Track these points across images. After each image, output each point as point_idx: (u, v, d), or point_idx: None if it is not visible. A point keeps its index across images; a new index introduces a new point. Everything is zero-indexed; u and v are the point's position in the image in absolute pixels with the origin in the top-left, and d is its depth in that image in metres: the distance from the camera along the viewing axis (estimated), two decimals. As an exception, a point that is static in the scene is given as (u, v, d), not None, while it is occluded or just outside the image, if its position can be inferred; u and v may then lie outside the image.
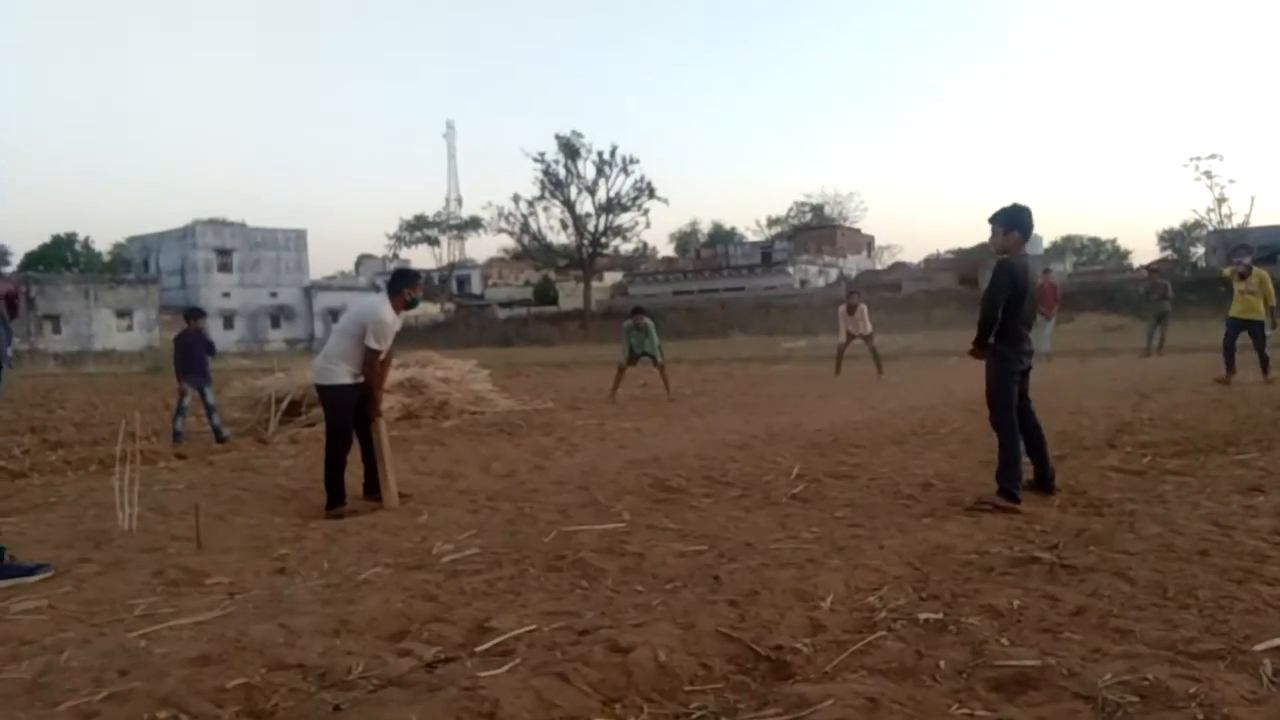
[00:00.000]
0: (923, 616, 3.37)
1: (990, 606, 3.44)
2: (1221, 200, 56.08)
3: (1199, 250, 63.25)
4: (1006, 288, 5.26)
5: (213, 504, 6.25)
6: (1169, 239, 69.63)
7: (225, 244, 65.99)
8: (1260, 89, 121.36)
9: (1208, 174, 56.03)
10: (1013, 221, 5.42)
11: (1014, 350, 5.39)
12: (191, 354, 9.90)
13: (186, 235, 65.17)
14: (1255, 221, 57.79)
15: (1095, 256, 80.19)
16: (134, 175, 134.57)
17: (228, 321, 62.91)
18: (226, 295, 64.59)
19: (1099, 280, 49.38)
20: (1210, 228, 58.64)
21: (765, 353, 26.50)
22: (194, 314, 10.40)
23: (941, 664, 2.91)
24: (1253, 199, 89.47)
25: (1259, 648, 2.89)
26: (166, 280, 64.51)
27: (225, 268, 65.64)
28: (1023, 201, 5.45)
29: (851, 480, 6.29)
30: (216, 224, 67.10)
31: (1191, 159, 60.49)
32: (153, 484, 7.07)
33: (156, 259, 67.33)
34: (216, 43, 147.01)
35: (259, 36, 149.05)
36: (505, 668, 3.00)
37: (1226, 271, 12.67)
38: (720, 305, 56.15)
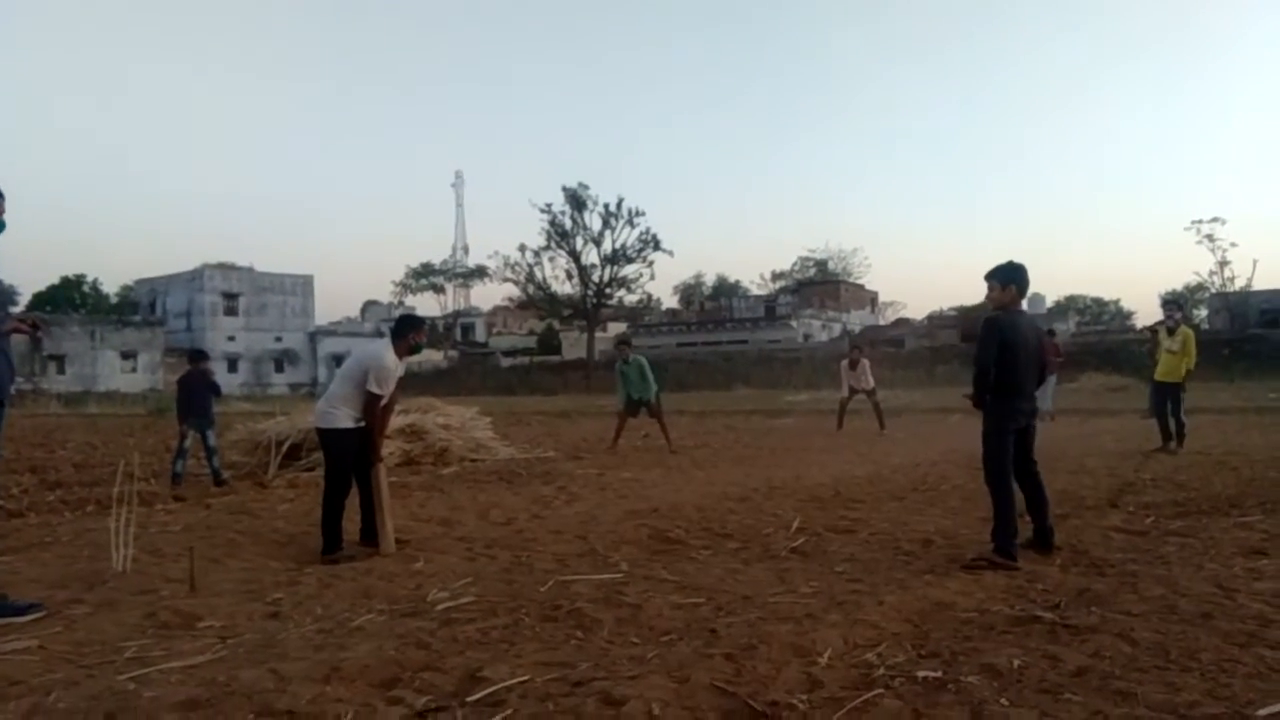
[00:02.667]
0: (921, 674, 3.33)
1: (990, 666, 3.39)
2: (1224, 264, 56.46)
3: (1202, 313, 63.43)
4: (993, 344, 5.28)
5: (208, 547, 6.21)
6: (1172, 301, 70.01)
7: (232, 288, 66.39)
8: (1262, 154, 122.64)
9: (1209, 237, 56.55)
10: (1009, 278, 5.46)
11: (1008, 407, 5.37)
12: (195, 396, 9.91)
13: (194, 279, 65.61)
14: (1257, 285, 58.09)
15: (1098, 317, 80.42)
16: (143, 218, 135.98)
17: (232, 364, 63.00)
18: (231, 339, 64.80)
19: (1102, 340, 49.42)
20: (1213, 290, 58.92)
21: (767, 406, 26.46)
22: (198, 356, 10.42)
23: (940, 723, 2.86)
24: (1255, 263, 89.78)
25: (1262, 713, 2.85)
26: (173, 323, 64.81)
27: (231, 311, 65.95)
28: (1019, 259, 5.49)
29: (852, 535, 6.24)
30: (224, 268, 67.57)
31: (1193, 222, 60.99)
32: (149, 526, 7.03)
33: (164, 302, 67.71)
34: (227, 89, 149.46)
35: (269, 83, 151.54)
36: (496, 719, 2.96)
37: (1152, 325, 12.53)
38: (723, 358, 56.20)
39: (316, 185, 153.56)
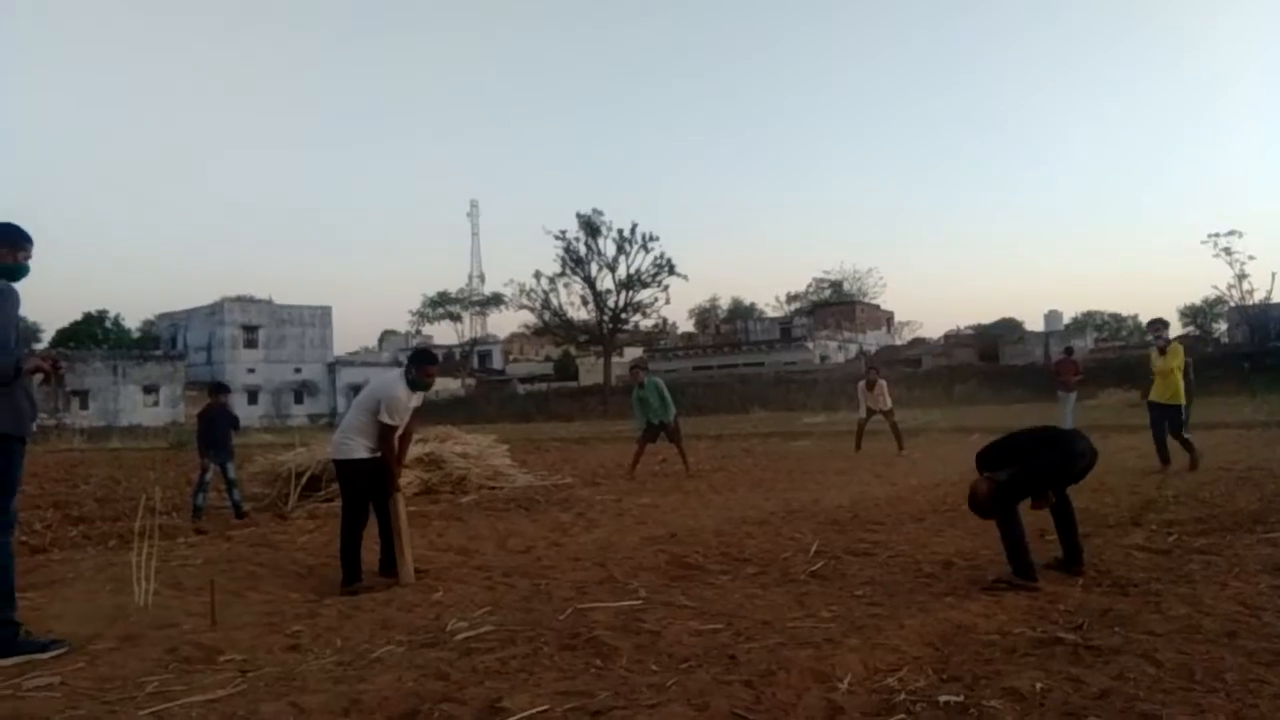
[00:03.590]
0: (943, 699, 3.30)
1: (1012, 689, 3.36)
2: (1242, 276, 55.98)
3: (1221, 326, 62.90)
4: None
5: (229, 580, 6.24)
6: (1190, 315, 69.36)
7: (252, 320, 66.98)
8: None
9: (1227, 250, 56.08)
10: None
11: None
12: (215, 429, 9.99)
13: (214, 312, 66.27)
14: (1277, 298, 57.55)
15: (1116, 333, 79.83)
16: (164, 254, 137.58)
17: (252, 397, 63.44)
18: (251, 371, 65.28)
19: (1121, 356, 49.05)
20: (1232, 304, 58.43)
21: (785, 428, 26.39)
22: (219, 389, 10.51)
23: (962, 748, 2.84)
24: (1274, 275, 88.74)
25: (1290, 734, 2.81)
26: (193, 356, 65.41)
27: (251, 344, 66.49)
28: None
29: (871, 558, 6.21)
30: (244, 301, 68.19)
31: (1210, 235, 60.46)
32: (171, 559, 7.07)
33: (185, 335, 68.39)
34: (243, 122, 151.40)
35: (285, 114, 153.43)
36: (516, 749, 2.96)
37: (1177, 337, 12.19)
38: (740, 381, 56.12)
39: (333, 217, 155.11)
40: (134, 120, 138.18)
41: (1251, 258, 69.21)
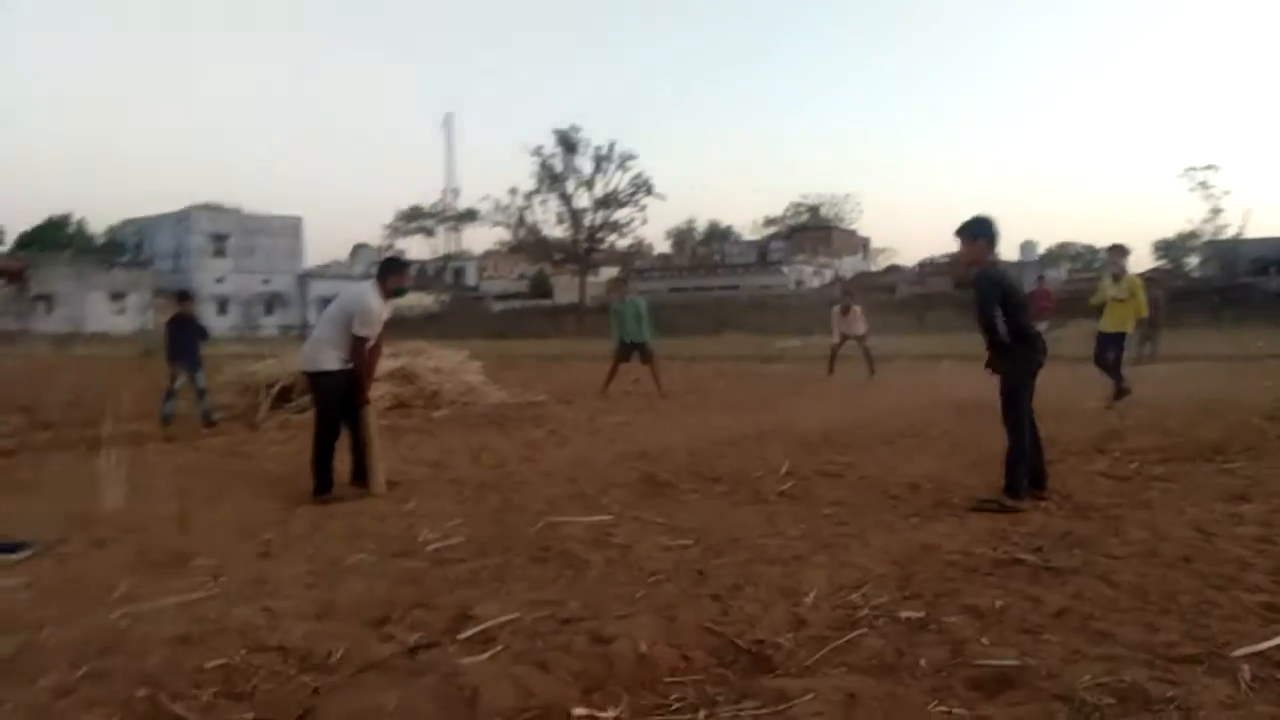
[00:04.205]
0: (904, 615, 3.38)
1: (972, 606, 3.45)
2: (1217, 211, 56.31)
3: (1194, 260, 63.46)
4: (996, 295, 5.29)
5: (199, 487, 6.25)
6: (1164, 248, 69.89)
7: (221, 229, 65.76)
8: (1260, 102, 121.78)
9: (1204, 185, 56.27)
10: (977, 231, 5.46)
11: (1030, 350, 5.43)
12: (183, 338, 9.89)
13: (182, 220, 64.95)
14: (1250, 233, 58.02)
15: (1089, 264, 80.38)
16: (130, 159, 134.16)
17: (221, 307, 62.69)
18: (220, 281, 64.35)
19: (1093, 287, 49.49)
20: (1205, 239, 58.86)
21: (759, 352, 26.48)
22: (185, 297, 10.38)
23: (922, 662, 2.92)
24: (1247, 211, 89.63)
25: (1238, 653, 2.90)
26: (160, 264, 64.30)
27: (220, 253, 65.41)
28: (987, 212, 5.51)
29: (840, 479, 6.29)
30: (212, 209, 66.87)
31: (1188, 169, 60.72)
32: (140, 466, 7.03)
33: (151, 243, 67.10)
34: (216, 28, 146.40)
35: (259, 20, 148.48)
36: (486, 655, 3.01)
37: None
38: (715, 303, 56.09)
39: (306, 125, 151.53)
40: (102, 17, 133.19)
41: (1227, 192, 69.50)
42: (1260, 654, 2.89)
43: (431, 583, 3.92)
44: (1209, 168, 58.85)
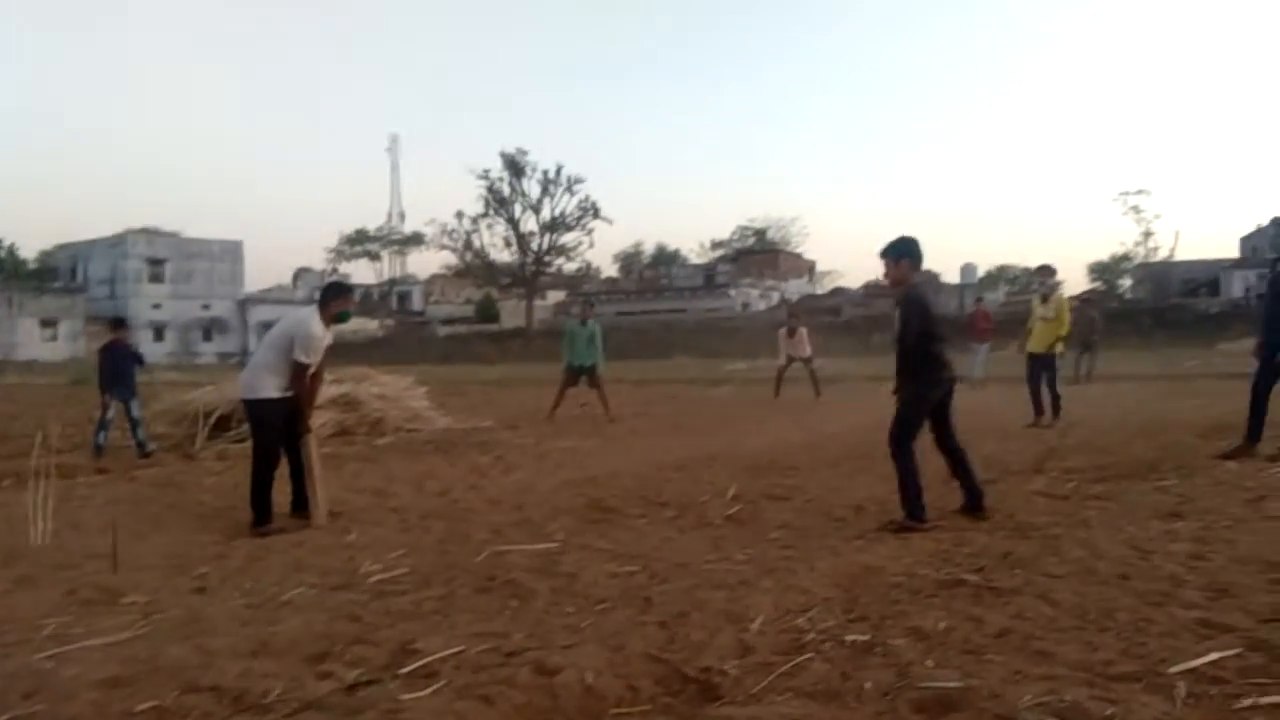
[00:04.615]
0: (850, 638, 3.39)
1: (916, 628, 3.47)
2: (1148, 234, 58.18)
3: (1127, 282, 65.31)
4: (923, 316, 5.38)
5: (132, 520, 6.06)
6: (1098, 270, 71.80)
7: (158, 254, 64.39)
8: (1188, 129, 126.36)
9: (1135, 209, 58.17)
10: (901, 251, 5.54)
11: (936, 377, 5.48)
12: (117, 366, 9.64)
13: (117, 244, 63.47)
14: (1179, 256, 60.00)
15: (1027, 286, 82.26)
16: (64, 181, 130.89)
17: (158, 333, 61.30)
18: (157, 306, 62.95)
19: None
20: (1137, 261, 60.68)
21: (706, 374, 26.63)
22: (119, 324, 10.13)
23: (867, 685, 2.92)
24: (1177, 234, 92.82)
25: (1174, 670, 2.95)
26: (95, 290, 62.69)
27: (157, 278, 64.00)
28: (917, 228, 5.61)
29: (786, 502, 6.32)
30: (149, 233, 65.48)
31: (1120, 194, 62.63)
32: (70, 499, 6.84)
33: (85, 268, 65.43)
34: (152, 48, 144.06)
35: (197, 41, 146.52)
36: (428, 690, 2.95)
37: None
38: (663, 326, 56.34)
39: (246, 148, 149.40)
40: (37, 35, 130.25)
41: (1158, 216, 71.87)
42: (1195, 670, 2.95)
43: (372, 616, 3.84)
44: (1140, 192, 60.96)
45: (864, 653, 3.25)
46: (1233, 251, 62.43)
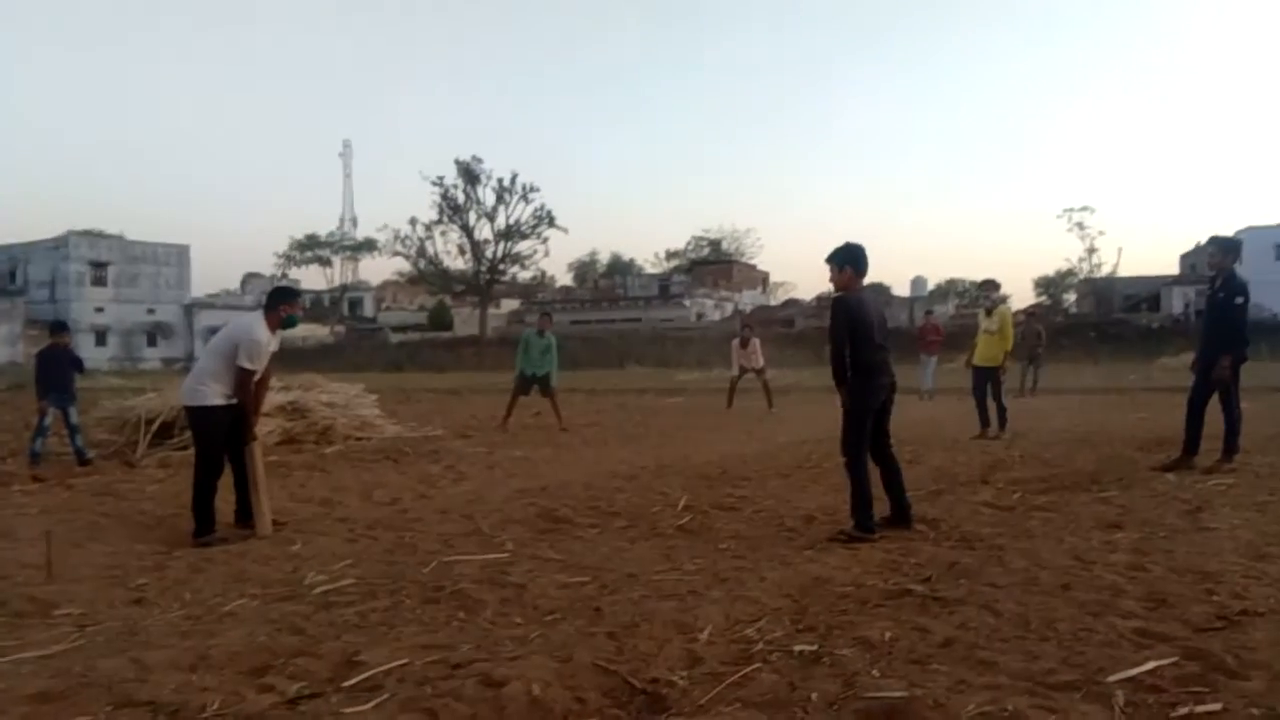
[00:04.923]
0: (798, 648, 3.40)
1: (864, 638, 3.49)
2: (1092, 250, 59.54)
3: (1071, 297, 66.71)
4: (845, 324, 5.43)
5: (69, 530, 5.89)
6: (1044, 285, 73.33)
7: (100, 257, 62.97)
8: (1131, 149, 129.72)
9: (1080, 225, 59.51)
10: (846, 259, 5.61)
11: (870, 385, 5.53)
12: (55, 371, 9.38)
13: (59, 247, 61.92)
14: (1122, 272, 61.48)
15: (976, 300, 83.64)
16: (2, 182, 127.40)
17: (100, 338, 59.92)
18: (100, 310, 61.53)
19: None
20: (1082, 276, 62.04)
21: (660, 384, 26.68)
22: (59, 329, 9.86)
23: (814, 696, 2.93)
24: (1120, 250, 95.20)
25: (1112, 678, 3.00)
26: (35, 293, 61.07)
27: (100, 282, 62.56)
28: (866, 240, 5.66)
29: (737, 512, 6.34)
30: (92, 236, 64.08)
31: (1065, 210, 63.99)
32: (4, 507, 6.65)
33: (24, 270, 63.70)
34: (97, 45, 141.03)
35: (146, 40, 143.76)
36: (371, 704, 2.90)
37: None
38: (617, 336, 56.32)
39: (194, 150, 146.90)
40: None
41: (1101, 233, 73.55)
42: (1133, 679, 3.00)
43: (316, 628, 3.76)
44: (1084, 209, 62.26)
45: (812, 663, 3.26)
46: (1173, 268, 64.25)
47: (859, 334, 5.45)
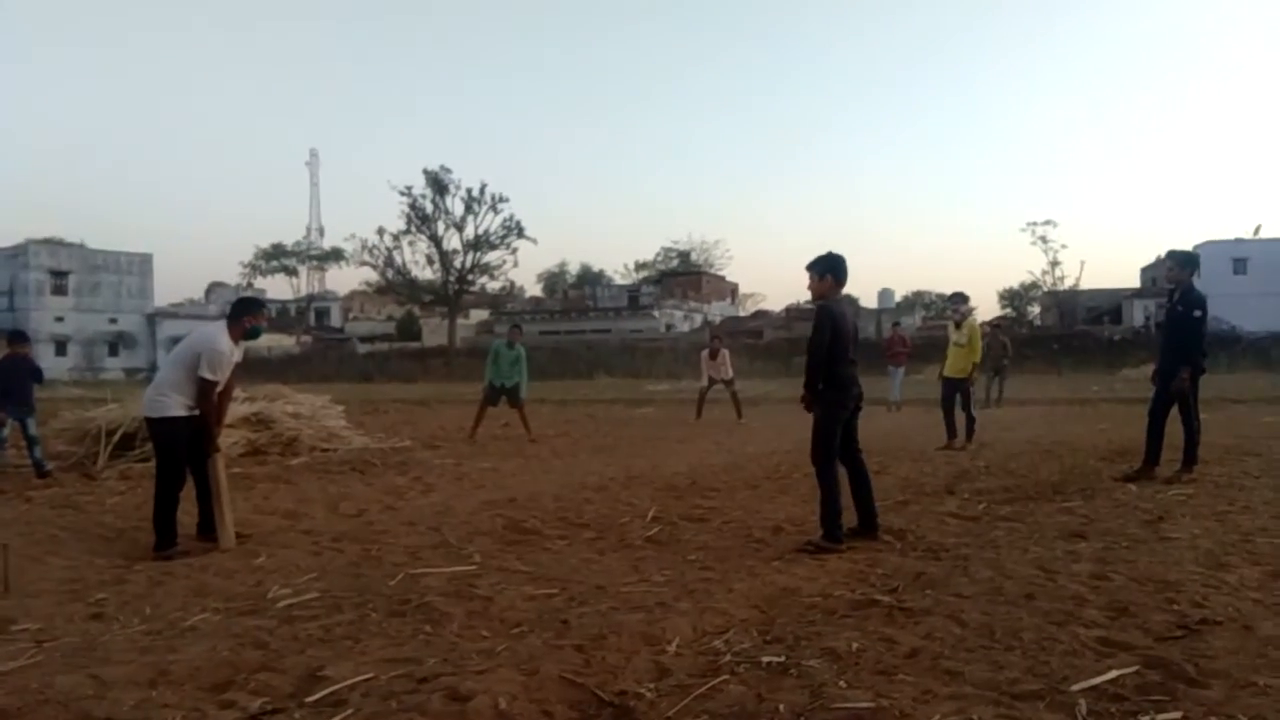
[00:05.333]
0: (766, 660, 3.41)
1: (831, 649, 3.50)
2: (1055, 264, 60.38)
3: (1035, 309, 67.58)
4: (828, 332, 5.47)
5: (27, 543, 5.78)
6: (1009, 298, 74.16)
7: (61, 265, 61.91)
8: (1092, 162, 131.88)
9: (1043, 239, 60.34)
10: (827, 268, 5.66)
11: (842, 395, 5.57)
12: (14, 381, 9.20)
13: (17, 255, 60.81)
14: (1085, 284, 62.41)
15: (942, 312, 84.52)
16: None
17: (60, 348, 58.89)
18: (60, 320, 60.49)
19: (946, 335, 52.02)
20: (1045, 289, 62.90)
21: (629, 395, 26.67)
22: (17, 338, 9.68)
23: (781, 707, 2.94)
24: (1082, 263, 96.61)
25: (1075, 688, 3.04)
26: (-7, 302, 59.99)
27: (60, 290, 61.51)
28: (839, 251, 5.70)
29: (706, 523, 6.34)
30: (52, 244, 63.03)
31: (1029, 224, 64.91)
32: (-42, 521, 6.48)
33: (-18, 278, 62.56)
34: (58, 47, 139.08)
35: (108, 44, 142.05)
36: (335, 719, 2.86)
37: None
38: (586, 347, 56.27)
39: (158, 158, 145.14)
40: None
41: (1064, 246, 74.72)
42: (1096, 688, 3.04)
43: (279, 642, 3.71)
44: (1048, 223, 63.17)
45: (779, 674, 3.27)
46: (1134, 281, 65.34)
47: (838, 345, 5.49)
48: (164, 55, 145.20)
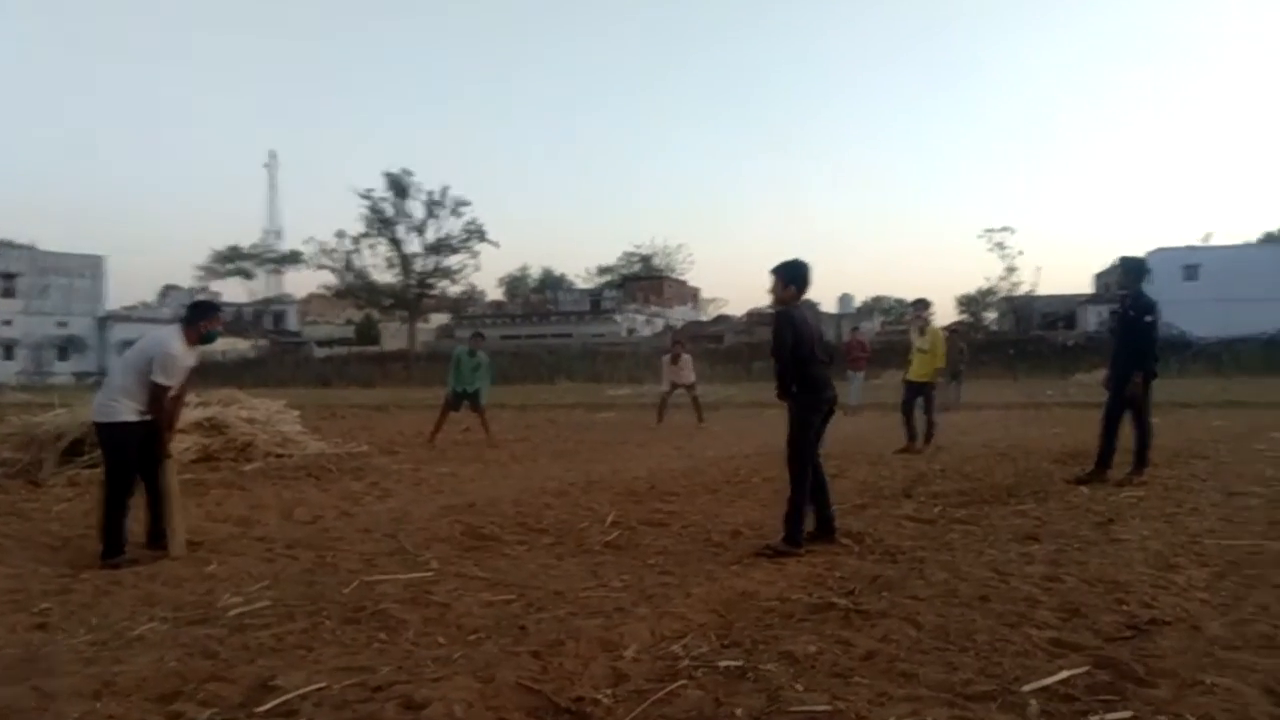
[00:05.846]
0: (723, 664, 3.41)
1: (788, 653, 3.51)
2: (1012, 270, 61.23)
3: (992, 315, 68.50)
4: (790, 336, 5.50)
5: (-33, 553, 5.62)
6: (966, 303, 75.17)
7: (9, 268, 60.54)
8: (1049, 171, 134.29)
9: (1000, 245, 61.16)
10: (792, 275, 5.69)
11: (815, 398, 5.61)
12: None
13: (-37, 256, 59.48)
14: (1041, 291, 63.41)
15: (900, 317, 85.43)
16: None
17: (7, 351, 57.63)
18: (8, 323, 59.17)
19: (904, 339, 52.60)
20: (1001, 295, 63.79)
21: (590, 399, 26.60)
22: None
23: (738, 711, 2.94)
24: (1039, 269, 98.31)
25: (1027, 688, 3.08)
26: (-64, 304, 58.50)
27: (8, 293, 60.14)
28: (804, 258, 5.74)
29: (665, 528, 6.34)
30: (1, 246, 61.60)
31: (986, 230, 65.79)
32: (-104, 530, 6.29)
33: (-74, 281, 60.97)
34: (9, 42, 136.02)
35: (60, 41, 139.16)
36: (286, 729, 2.81)
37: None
38: (547, 351, 56.08)
39: (112, 157, 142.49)
40: None
41: (1020, 253, 75.90)
42: (1047, 688, 3.08)
43: (230, 652, 3.65)
44: (1004, 229, 63.91)
45: (737, 678, 3.27)
46: (1088, 287, 66.52)
47: (803, 348, 5.51)
48: (118, 53, 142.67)
